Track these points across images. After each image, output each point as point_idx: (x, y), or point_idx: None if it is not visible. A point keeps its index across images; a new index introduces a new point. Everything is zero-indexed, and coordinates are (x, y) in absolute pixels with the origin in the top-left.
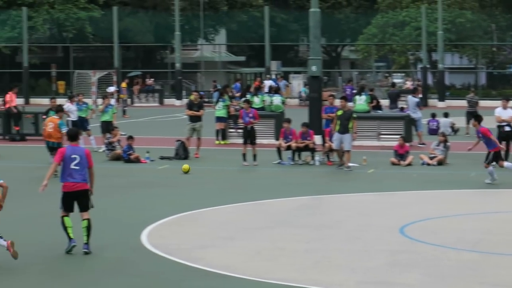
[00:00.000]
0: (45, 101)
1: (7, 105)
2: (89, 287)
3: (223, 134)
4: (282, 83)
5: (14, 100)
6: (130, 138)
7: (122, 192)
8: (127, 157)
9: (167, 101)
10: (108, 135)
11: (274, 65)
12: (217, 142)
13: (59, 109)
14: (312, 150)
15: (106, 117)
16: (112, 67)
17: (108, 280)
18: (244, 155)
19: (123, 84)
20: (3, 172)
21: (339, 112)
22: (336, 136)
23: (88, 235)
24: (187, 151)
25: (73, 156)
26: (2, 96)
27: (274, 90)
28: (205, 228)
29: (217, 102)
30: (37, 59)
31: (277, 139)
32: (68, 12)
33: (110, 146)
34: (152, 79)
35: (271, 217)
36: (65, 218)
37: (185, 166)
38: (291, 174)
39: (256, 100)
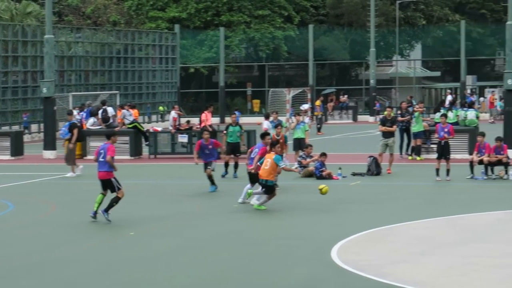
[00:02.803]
0: (240, 120)
1: (203, 124)
2: None
3: (417, 150)
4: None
5: (209, 119)
6: (323, 155)
7: (314, 209)
8: (319, 174)
9: (360, 117)
10: (300, 152)
11: (469, 80)
12: (410, 158)
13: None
14: (506, 165)
15: (298, 134)
16: (307, 84)
17: None
18: (437, 170)
19: (317, 102)
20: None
21: None
22: None
23: None
24: (380, 167)
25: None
26: (198, 116)
27: (469, 105)
28: (396, 243)
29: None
30: (233, 79)
31: (470, 153)
32: (264, 32)
33: (300, 163)
34: (346, 96)
35: (463, 232)
36: None
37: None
38: (484, 189)
39: (450, 115)
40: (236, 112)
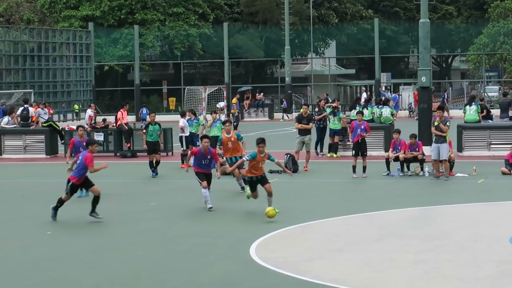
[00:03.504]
0: (157, 118)
1: (119, 122)
2: None
3: (335, 147)
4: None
5: (125, 117)
6: None
7: (230, 207)
8: None
9: (276, 115)
10: (218, 150)
11: (384, 77)
12: (328, 155)
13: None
14: (421, 161)
15: (214, 132)
16: (222, 82)
17: None
18: (354, 167)
19: (234, 100)
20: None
21: (436, 122)
22: (434, 146)
23: None
24: (296, 164)
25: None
26: (114, 114)
27: (383, 102)
28: (314, 240)
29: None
30: (148, 77)
31: (386, 150)
32: (179, 29)
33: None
34: (262, 94)
35: (380, 229)
36: None
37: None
38: (400, 185)
39: (366, 112)
40: (144, 109)
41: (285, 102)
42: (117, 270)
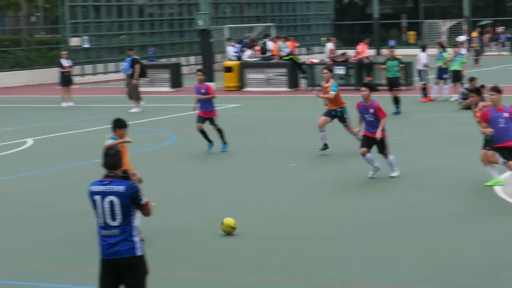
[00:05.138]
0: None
1: (359, 56)
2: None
3: None
4: None
5: (365, 51)
6: (482, 87)
7: (462, 141)
8: None
9: None
10: (458, 84)
11: None
12: None
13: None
14: None
15: (455, 66)
16: (462, 16)
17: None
18: None
19: (474, 34)
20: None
21: None
22: None
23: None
24: None
25: None
26: (353, 48)
27: None
28: None
29: None
30: (388, 10)
31: None
32: None
33: (463, 95)
34: (503, 27)
35: None
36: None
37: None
38: None
39: None
40: (391, 42)
41: (502, 36)
42: (352, 203)
